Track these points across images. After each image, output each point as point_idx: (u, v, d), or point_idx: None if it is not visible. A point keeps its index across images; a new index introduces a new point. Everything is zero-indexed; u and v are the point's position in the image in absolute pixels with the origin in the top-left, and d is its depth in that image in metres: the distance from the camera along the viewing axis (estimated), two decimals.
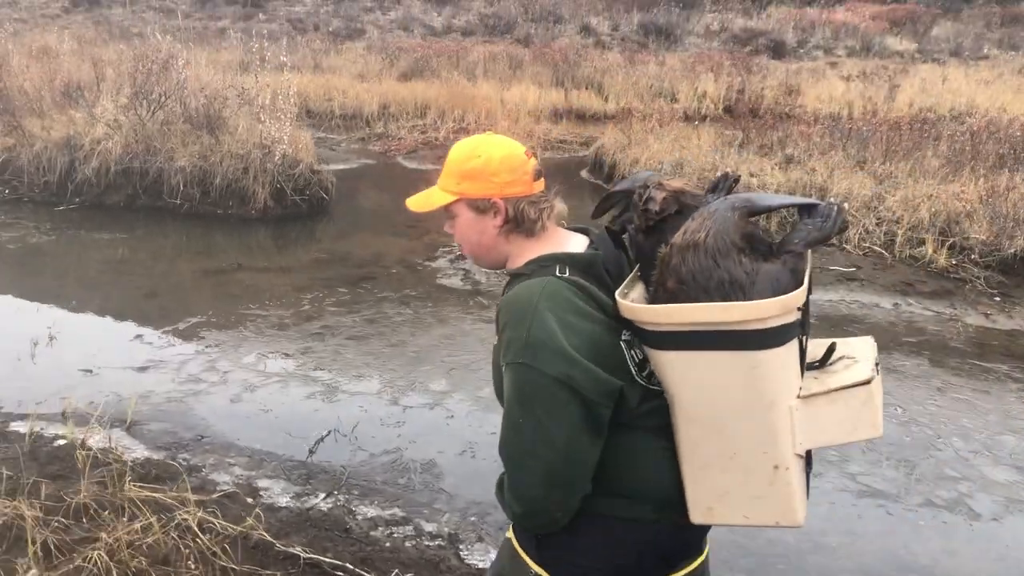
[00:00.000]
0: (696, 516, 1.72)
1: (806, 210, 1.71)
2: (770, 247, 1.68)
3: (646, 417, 1.70)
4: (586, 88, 16.97)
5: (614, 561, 1.75)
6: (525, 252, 1.81)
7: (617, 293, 1.71)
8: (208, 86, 8.94)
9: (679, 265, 1.63)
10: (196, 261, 7.31)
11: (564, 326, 1.62)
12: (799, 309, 1.60)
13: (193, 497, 3.51)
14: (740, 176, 1.92)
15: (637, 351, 1.70)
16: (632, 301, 1.71)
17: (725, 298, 1.57)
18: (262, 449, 4.26)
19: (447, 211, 1.85)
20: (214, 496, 3.66)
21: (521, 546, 1.83)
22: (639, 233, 1.86)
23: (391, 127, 13.50)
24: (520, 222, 1.80)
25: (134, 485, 3.55)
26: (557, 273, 1.71)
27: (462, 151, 1.83)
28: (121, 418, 4.41)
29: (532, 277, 1.72)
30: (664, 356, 1.67)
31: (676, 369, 1.67)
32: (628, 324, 1.70)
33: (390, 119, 14.11)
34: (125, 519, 3.28)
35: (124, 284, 6.70)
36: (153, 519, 3.25)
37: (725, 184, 1.86)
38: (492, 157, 1.80)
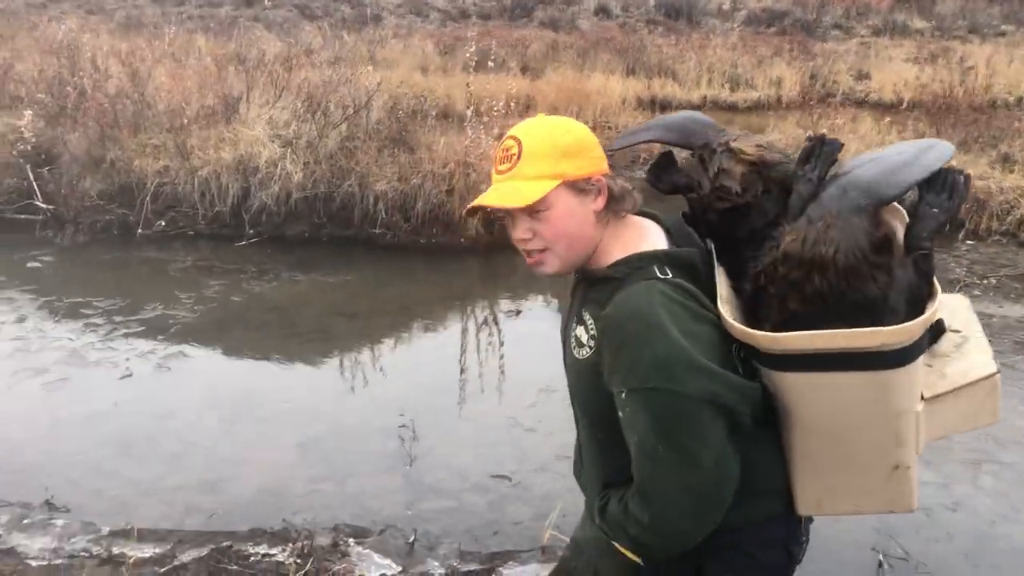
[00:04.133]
0: (804, 510, 1.65)
1: (925, 184, 1.52)
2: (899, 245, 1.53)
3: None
4: (659, 75, 16.13)
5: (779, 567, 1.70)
6: (614, 241, 1.61)
7: (720, 307, 1.53)
8: (393, 92, 7.77)
9: (802, 283, 1.46)
10: (460, 308, 6.26)
11: (689, 336, 1.45)
12: None
13: None
14: (843, 144, 1.60)
15: (736, 345, 1.55)
16: (723, 300, 1.54)
17: (858, 320, 1.44)
18: None
19: (531, 207, 1.53)
20: None
21: None
22: (710, 211, 1.64)
23: (501, 128, 12.35)
24: (620, 199, 1.60)
25: None
26: (658, 274, 1.52)
27: (547, 129, 1.57)
28: None
29: (627, 281, 1.54)
30: (785, 377, 1.52)
31: (798, 389, 1.53)
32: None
33: (483, 118, 12.95)
34: None
35: (418, 348, 5.62)
36: None
37: (822, 151, 1.57)
38: (579, 130, 1.60)
